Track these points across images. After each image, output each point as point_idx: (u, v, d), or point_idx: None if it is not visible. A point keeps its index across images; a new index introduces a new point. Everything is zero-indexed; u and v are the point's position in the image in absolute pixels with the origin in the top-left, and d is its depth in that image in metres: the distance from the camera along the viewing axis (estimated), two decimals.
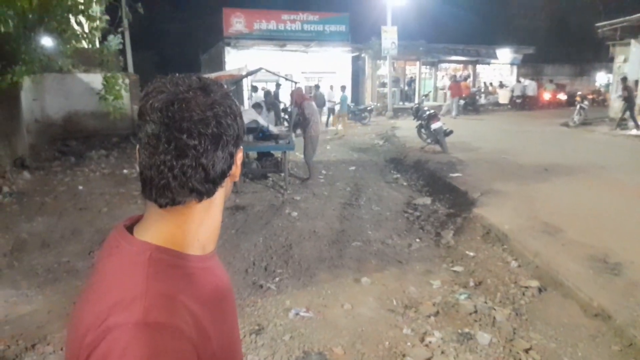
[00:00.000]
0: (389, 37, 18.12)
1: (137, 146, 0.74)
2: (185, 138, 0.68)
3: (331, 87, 16.96)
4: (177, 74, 0.77)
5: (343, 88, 15.95)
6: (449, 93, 19.12)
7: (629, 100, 12.84)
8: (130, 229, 0.78)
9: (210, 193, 0.75)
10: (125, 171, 8.85)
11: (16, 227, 5.64)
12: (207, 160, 0.71)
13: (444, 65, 24.00)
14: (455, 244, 5.05)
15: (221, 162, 0.73)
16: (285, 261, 4.63)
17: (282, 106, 14.45)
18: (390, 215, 6.24)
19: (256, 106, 9.18)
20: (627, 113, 12.91)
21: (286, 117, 13.72)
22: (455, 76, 21.00)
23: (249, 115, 8.26)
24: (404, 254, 4.84)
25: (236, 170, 0.80)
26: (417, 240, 5.26)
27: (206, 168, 0.71)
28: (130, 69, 14.61)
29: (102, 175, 8.62)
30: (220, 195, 0.80)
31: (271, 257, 4.75)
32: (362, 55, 21.98)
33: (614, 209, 5.71)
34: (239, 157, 0.80)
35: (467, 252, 4.79)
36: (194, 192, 0.72)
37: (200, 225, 0.77)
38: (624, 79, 13.29)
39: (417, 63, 22.82)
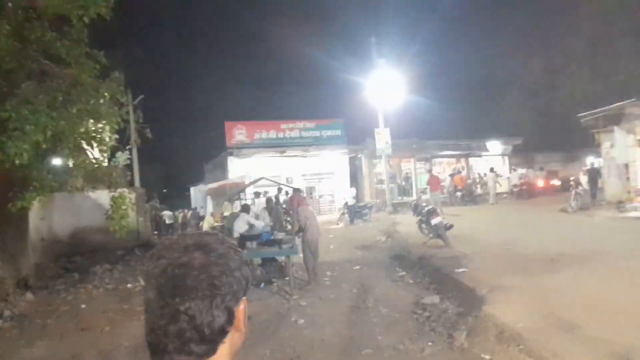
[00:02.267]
0: (383, 138, 19.05)
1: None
2: (177, 303, 0.71)
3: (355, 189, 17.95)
4: (179, 233, 0.81)
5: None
6: (428, 188, 17.92)
7: (591, 184, 15.53)
8: None
9: (209, 353, 0.74)
10: (129, 285, 8.78)
11: (15, 354, 5.48)
12: (201, 322, 0.72)
13: (437, 160, 24.88)
14: (469, 346, 4.86)
15: (218, 320, 0.73)
16: None
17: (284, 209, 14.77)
18: (399, 317, 6.07)
19: (245, 208, 9.49)
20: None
21: (289, 219, 13.94)
22: (431, 170, 20.47)
23: (243, 219, 8.58)
24: None
25: (239, 324, 0.78)
26: (430, 343, 5.07)
27: (201, 330, 0.72)
28: (137, 182, 15.19)
29: (105, 291, 8.54)
30: (224, 352, 0.76)
31: None
32: (359, 155, 22.98)
33: (630, 300, 5.46)
34: (241, 310, 0.79)
35: (482, 354, 4.60)
36: (192, 355, 0.72)
37: None
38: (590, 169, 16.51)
39: (412, 159, 23.69)
